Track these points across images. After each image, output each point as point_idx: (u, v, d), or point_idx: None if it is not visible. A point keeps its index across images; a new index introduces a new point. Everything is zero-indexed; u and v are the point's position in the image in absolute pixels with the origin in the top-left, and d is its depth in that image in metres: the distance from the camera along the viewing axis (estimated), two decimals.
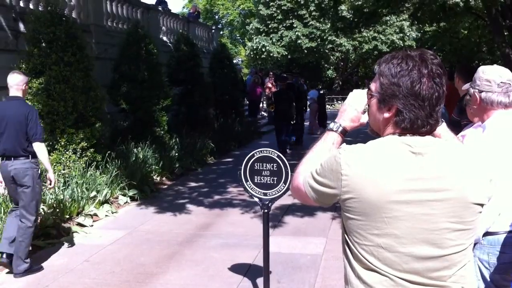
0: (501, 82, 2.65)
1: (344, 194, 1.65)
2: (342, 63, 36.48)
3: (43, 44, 7.71)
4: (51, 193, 6.81)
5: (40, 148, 5.13)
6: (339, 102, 32.43)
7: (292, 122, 13.12)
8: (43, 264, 5.40)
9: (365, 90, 1.90)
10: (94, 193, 7.40)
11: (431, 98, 1.64)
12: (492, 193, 1.70)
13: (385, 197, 1.60)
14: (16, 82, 5.16)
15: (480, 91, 2.71)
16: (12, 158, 5.07)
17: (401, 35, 31.51)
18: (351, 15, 18.74)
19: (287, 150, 12.64)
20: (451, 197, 1.61)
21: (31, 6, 9.51)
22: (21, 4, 9.37)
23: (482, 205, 1.66)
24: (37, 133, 5.08)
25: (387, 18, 27.91)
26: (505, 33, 10.85)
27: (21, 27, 8.67)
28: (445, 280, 1.64)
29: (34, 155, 5.14)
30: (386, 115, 1.70)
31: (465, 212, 1.62)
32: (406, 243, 1.61)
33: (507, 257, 2.60)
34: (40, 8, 8.89)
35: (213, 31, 20.82)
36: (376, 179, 1.60)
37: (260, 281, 4.60)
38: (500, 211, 2.58)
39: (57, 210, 6.69)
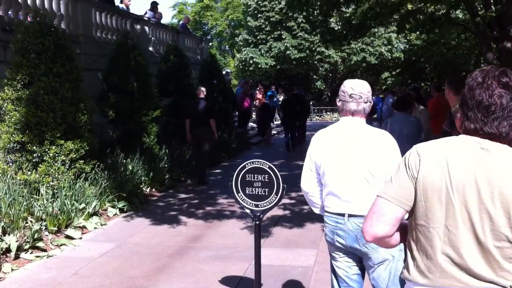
0: (352, 94, 3.15)
1: None
2: (330, 75, 36.62)
3: (32, 55, 7.66)
4: (39, 205, 6.74)
5: (213, 122, 10.26)
6: (328, 113, 32.58)
7: (297, 123, 16.52)
8: (32, 278, 5.34)
9: None
10: (83, 205, 7.32)
11: (480, 105, 1.88)
12: None
13: None
14: (202, 90, 10.50)
15: (338, 100, 3.25)
16: (200, 127, 10.15)
17: (389, 47, 31.74)
18: (339, 27, 18.87)
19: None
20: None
21: (20, 17, 9.47)
22: (10, 14, 9.33)
23: None
24: (212, 116, 10.31)
25: (375, 30, 28.15)
26: (493, 45, 10.94)
27: (10, 37, 8.62)
28: None
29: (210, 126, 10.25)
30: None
31: None
32: None
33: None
34: (29, 19, 8.85)
35: (202, 42, 20.83)
36: None
37: None
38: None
39: (46, 222, 6.62)
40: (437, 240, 1.88)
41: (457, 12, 15.95)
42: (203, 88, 10.61)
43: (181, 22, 19.32)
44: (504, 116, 1.85)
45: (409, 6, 12.67)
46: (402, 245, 2.12)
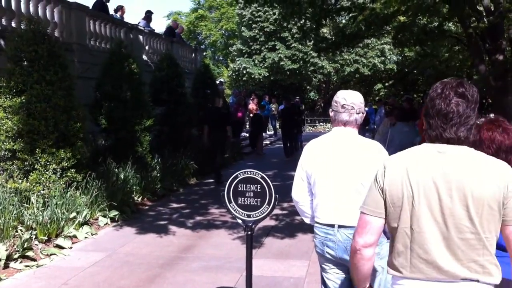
0: (345, 104, 3.17)
1: None
2: (324, 85, 36.72)
3: (25, 63, 7.63)
4: (29, 214, 6.68)
5: (229, 128, 11.72)
6: (321, 124, 32.66)
7: (294, 132, 17.56)
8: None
9: None
10: (73, 214, 7.27)
11: (439, 113, 2.08)
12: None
13: None
14: (219, 100, 12.09)
15: (331, 110, 3.29)
16: (217, 132, 11.45)
17: (382, 58, 31.90)
18: (332, 37, 19.00)
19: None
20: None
21: (13, 24, 9.44)
22: (3, 22, 9.30)
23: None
24: (228, 123, 11.72)
25: (369, 41, 28.28)
26: (485, 58, 11.01)
27: (3, 45, 8.59)
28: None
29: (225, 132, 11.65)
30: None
31: None
32: None
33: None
34: (22, 27, 8.83)
35: (196, 51, 20.84)
36: None
37: None
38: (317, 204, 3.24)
39: (36, 231, 6.56)
40: (406, 238, 2.11)
41: (449, 25, 16.04)
42: (220, 99, 12.30)
43: (176, 30, 19.24)
44: (462, 122, 2.07)
45: (401, 18, 12.78)
46: None
